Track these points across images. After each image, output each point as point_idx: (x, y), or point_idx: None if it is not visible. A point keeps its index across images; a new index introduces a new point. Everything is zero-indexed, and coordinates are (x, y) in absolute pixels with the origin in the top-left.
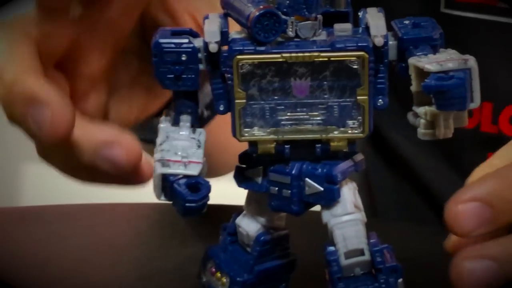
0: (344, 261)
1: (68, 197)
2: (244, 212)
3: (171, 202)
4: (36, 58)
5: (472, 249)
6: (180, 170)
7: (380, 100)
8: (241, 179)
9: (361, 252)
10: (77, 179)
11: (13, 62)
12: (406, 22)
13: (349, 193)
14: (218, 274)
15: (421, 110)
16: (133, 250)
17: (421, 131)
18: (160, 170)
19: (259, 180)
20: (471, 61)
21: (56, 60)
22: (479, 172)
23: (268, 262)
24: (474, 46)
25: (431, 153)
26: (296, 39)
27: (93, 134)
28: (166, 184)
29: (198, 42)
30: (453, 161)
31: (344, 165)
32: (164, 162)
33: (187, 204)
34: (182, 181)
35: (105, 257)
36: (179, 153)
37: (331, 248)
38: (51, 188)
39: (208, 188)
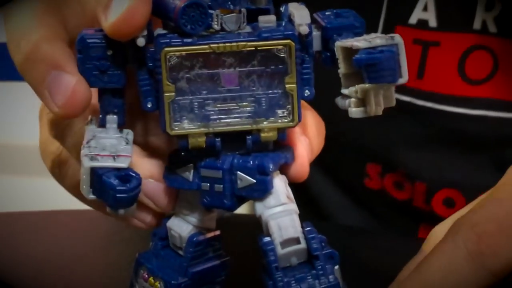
0: (280, 251)
1: None
2: (174, 214)
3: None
4: (60, 26)
5: None
6: (109, 163)
7: (307, 90)
8: (172, 178)
9: (297, 241)
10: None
11: (36, 27)
12: (328, 13)
13: (281, 184)
14: (151, 280)
15: (351, 89)
16: (54, 259)
17: (352, 110)
18: (89, 163)
19: (190, 177)
20: (397, 38)
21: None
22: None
23: (202, 264)
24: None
25: (359, 214)
26: (221, 32)
27: None
28: (95, 179)
29: None
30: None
31: (275, 156)
32: (93, 157)
33: (117, 195)
34: (112, 173)
35: (26, 268)
36: (107, 149)
37: (267, 239)
38: None
39: (138, 180)
